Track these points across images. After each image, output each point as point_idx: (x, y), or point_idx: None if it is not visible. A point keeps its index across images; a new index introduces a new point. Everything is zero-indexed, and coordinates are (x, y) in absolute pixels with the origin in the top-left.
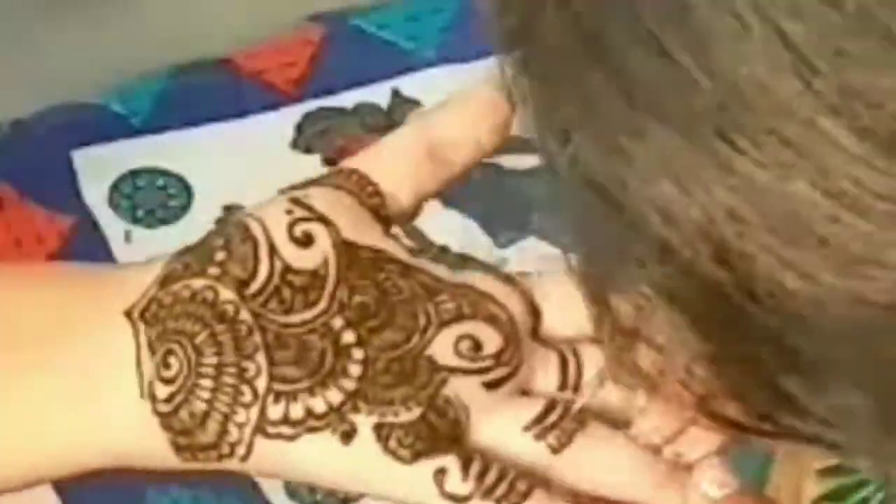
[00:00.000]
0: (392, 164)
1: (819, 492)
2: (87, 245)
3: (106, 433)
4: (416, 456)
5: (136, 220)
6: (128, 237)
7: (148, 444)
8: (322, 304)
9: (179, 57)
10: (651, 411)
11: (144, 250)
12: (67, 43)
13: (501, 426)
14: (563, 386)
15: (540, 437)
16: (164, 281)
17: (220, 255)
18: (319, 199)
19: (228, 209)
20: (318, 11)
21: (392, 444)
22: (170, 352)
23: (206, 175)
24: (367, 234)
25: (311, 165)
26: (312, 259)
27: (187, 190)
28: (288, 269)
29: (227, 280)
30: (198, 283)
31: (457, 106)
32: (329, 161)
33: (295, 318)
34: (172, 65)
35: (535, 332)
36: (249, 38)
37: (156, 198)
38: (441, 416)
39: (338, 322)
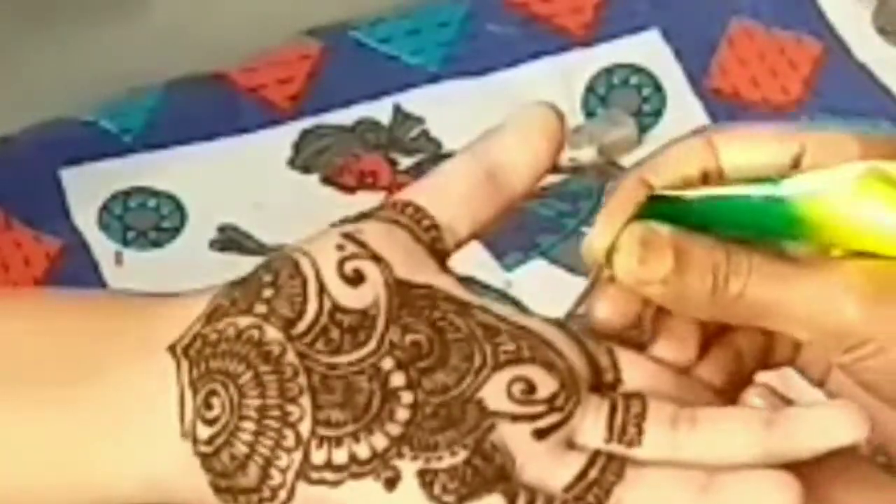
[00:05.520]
0: (449, 195)
1: None
2: (76, 268)
3: (146, 470)
4: (461, 500)
5: (127, 243)
6: (118, 260)
7: (188, 484)
8: (371, 345)
9: (173, 72)
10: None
11: (136, 273)
12: (56, 57)
13: (544, 482)
14: (609, 434)
15: (580, 497)
16: (210, 317)
17: (267, 293)
18: (372, 234)
19: (223, 231)
20: (317, 25)
21: (436, 490)
22: (212, 392)
23: (200, 195)
24: (422, 272)
25: (310, 185)
26: (363, 298)
27: (180, 210)
28: (337, 308)
29: (273, 319)
30: (244, 321)
31: (512, 128)
32: (328, 181)
33: (342, 360)
34: (165, 80)
35: (596, 389)
36: (245, 52)
37: (148, 219)
38: (487, 460)
39: (387, 363)
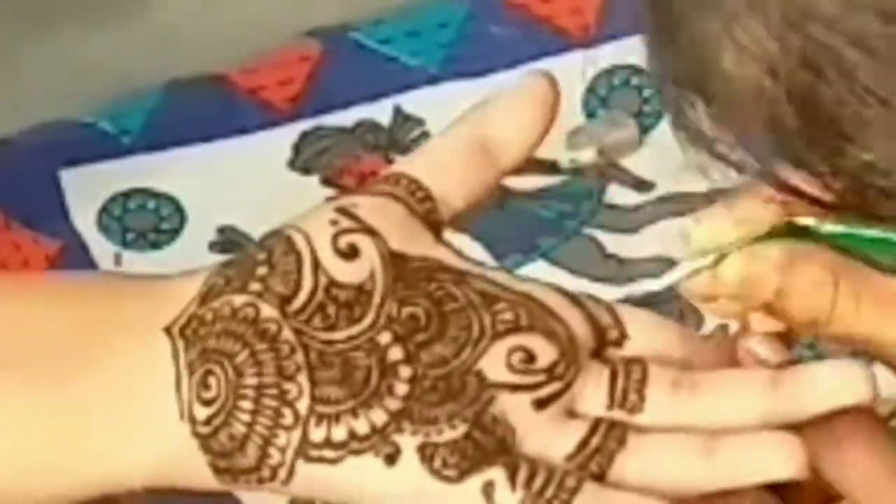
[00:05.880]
0: (443, 166)
1: None
2: (75, 269)
3: (145, 454)
4: (462, 474)
5: (126, 244)
6: (118, 261)
7: (188, 466)
8: (368, 320)
9: (172, 73)
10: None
11: None
12: (55, 58)
13: (546, 452)
14: (610, 401)
15: (582, 466)
16: (205, 296)
17: (261, 270)
18: (366, 208)
19: (223, 232)
20: (317, 26)
21: (437, 464)
22: (209, 372)
23: (199, 196)
24: (418, 243)
25: (310, 186)
26: (358, 272)
27: (180, 212)
28: (332, 283)
29: (268, 296)
30: (239, 299)
31: (506, 99)
32: (328, 182)
33: (339, 335)
34: (165, 81)
35: (598, 354)
36: (245, 53)
37: (147, 220)
38: (487, 433)
39: (385, 337)
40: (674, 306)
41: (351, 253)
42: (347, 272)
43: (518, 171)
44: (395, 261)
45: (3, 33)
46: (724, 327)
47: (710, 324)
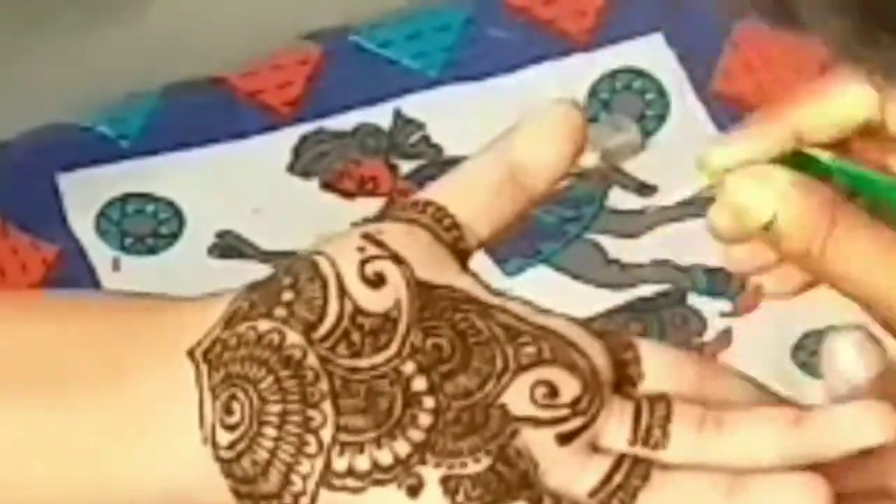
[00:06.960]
0: (470, 193)
1: None
2: (73, 274)
3: (166, 477)
4: None
5: (124, 248)
6: (116, 266)
7: (208, 489)
8: (393, 349)
9: (171, 76)
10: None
11: (133, 279)
12: (53, 61)
13: (569, 487)
14: (634, 437)
15: (605, 502)
16: (230, 320)
17: (287, 296)
18: (393, 235)
19: (222, 237)
20: (317, 29)
21: (460, 497)
22: (233, 397)
23: (198, 201)
24: (443, 273)
25: (310, 190)
26: (384, 301)
27: (179, 216)
28: (358, 310)
29: (293, 322)
30: (264, 324)
31: (534, 126)
32: (327, 186)
33: (364, 363)
34: (164, 84)
35: (619, 388)
36: (245, 56)
37: (145, 225)
38: (510, 467)
39: (409, 367)
40: (676, 311)
41: (377, 280)
42: (373, 300)
43: None
44: (420, 289)
45: (2, 36)
46: (727, 332)
47: (711, 328)
